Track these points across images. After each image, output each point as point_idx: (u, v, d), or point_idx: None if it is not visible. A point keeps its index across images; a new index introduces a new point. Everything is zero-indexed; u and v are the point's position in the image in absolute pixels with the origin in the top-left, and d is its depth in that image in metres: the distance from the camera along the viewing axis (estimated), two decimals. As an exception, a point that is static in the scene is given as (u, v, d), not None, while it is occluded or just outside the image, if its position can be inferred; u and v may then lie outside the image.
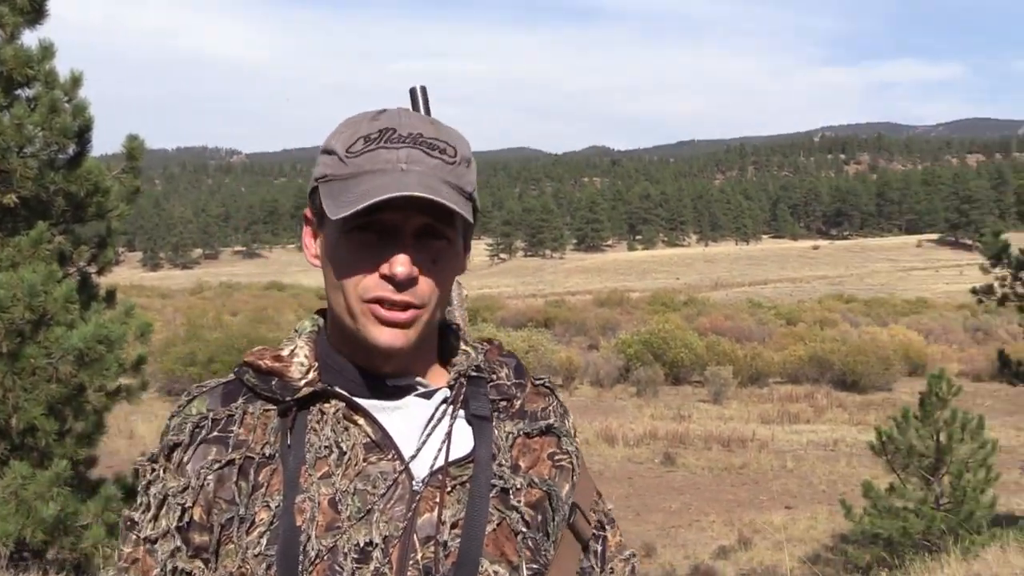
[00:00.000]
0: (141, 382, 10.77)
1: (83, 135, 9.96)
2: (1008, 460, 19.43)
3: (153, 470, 1.58)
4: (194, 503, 1.53)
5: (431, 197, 1.47)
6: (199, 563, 1.52)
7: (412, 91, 1.73)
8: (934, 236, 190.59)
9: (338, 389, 1.58)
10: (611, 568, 1.76)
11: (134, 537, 1.56)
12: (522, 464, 1.64)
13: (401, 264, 1.50)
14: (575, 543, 1.69)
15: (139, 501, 1.58)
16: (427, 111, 1.70)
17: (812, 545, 21.51)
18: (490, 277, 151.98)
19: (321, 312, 1.72)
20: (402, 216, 1.51)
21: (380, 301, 1.52)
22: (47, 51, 9.85)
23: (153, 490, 1.56)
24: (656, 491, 26.58)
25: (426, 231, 1.53)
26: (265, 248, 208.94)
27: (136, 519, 1.57)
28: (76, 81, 9.94)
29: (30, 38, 9.93)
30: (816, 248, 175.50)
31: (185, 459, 1.56)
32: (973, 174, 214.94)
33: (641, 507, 24.72)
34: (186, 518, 1.53)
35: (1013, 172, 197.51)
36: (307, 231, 1.65)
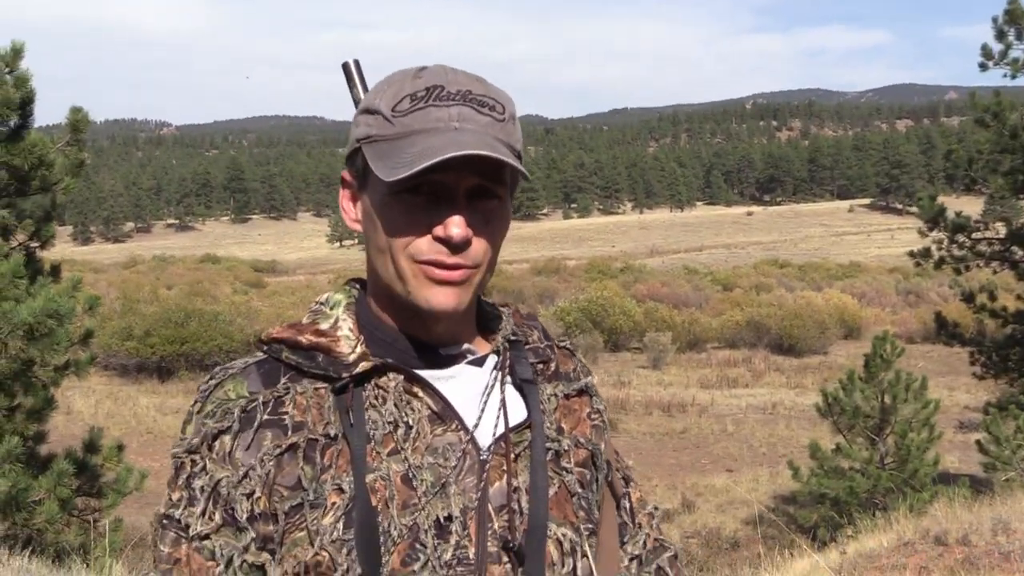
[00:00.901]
0: (90, 356, 10.65)
1: (25, 107, 9.82)
2: (943, 420, 19.75)
3: (195, 462, 1.49)
4: (262, 491, 1.46)
5: (493, 155, 1.42)
6: (266, 555, 1.46)
7: (345, 66, 1.71)
8: (866, 201, 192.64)
9: (395, 362, 1.53)
10: (638, 523, 1.76)
11: (173, 535, 1.48)
12: (565, 426, 1.63)
13: (457, 226, 1.45)
14: (611, 500, 1.70)
15: (178, 496, 1.49)
16: (363, 85, 1.68)
17: (754, 507, 21.74)
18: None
19: (355, 282, 1.67)
20: (455, 176, 1.46)
21: (433, 264, 1.47)
22: (-13, 22, 9.68)
23: (198, 483, 1.47)
24: (599, 457, 26.73)
25: (478, 191, 1.48)
26: (198, 221, 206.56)
27: (178, 516, 1.48)
28: (17, 52, 9.78)
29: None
30: (750, 214, 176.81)
31: (235, 447, 1.48)
32: (903, 139, 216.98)
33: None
34: (255, 509, 1.45)
35: (941, 137, 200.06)
36: (345, 194, 1.60)
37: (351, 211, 1.59)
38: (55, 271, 10.67)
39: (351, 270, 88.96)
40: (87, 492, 10.58)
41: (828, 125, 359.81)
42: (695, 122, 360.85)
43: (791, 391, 35.70)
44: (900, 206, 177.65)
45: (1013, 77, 19.53)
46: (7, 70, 9.67)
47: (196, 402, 1.54)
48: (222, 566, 1.45)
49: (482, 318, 1.67)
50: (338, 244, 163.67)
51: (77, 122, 10.32)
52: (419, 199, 1.47)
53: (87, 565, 8.32)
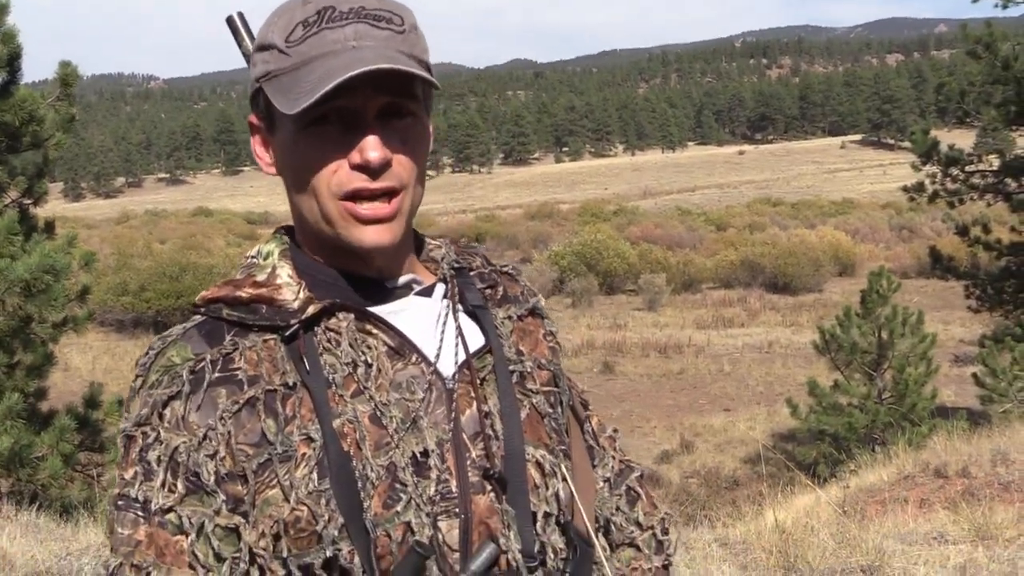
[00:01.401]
0: (87, 312, 10.66)
1: (13, 63, 9.76)
2: (938, 354, 19.83)
3: (146, 434, 1.40)
4: (226, 450, 1.38)
5: (397, 67, 1.34)
6: (238, 518, 1.38)
7: (229, 20, 1.62)
8: (857, 137, 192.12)
9: (344, 302, 1.46)
10: (602, 445, 1.73)
11: (132, 516, 1.39)
12: (524, 348, 1.57)
13: (373, 148, 1.38)
14: (576, 424, 1.66)
15: (131, 473, 1.39)
16: (251, 37, 1.58)
17: (753, 446, 21.85)
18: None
19: (283, 230, 1.58)
20: (361, 99, 1.38)
21: (357, 194, 1.40)
22: (-28, -21, 9.61)
23: (153, 455, 1.39)
24: (597, 400, 26.72)
25: (389, 110, 1.40)
26: (189, 174, 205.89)
27: (134, 495, 1.39)
28: (3, 8, 9.70)
29: (-49, -35, 9.67)
30: (742, 153, 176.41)
31: (188, 410, 1.39)
32: (893, 74, 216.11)
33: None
34: (221, 469, 1.37)
35: (932, 71, 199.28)
36: (256, 140, 1.52)
37: (265, 156, 1.51)
38: (49, 227, 10.64)
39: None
40: (89, 447, 10.61)
41: (818, 62, 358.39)
42: (685, 62, 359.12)
43: (787, 329, 35.83)
44: (892, 141, 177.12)
45: (1005, 7, 19.45)
46: (-6, 26, 9.61)
47: (137, 377, 1.46)
48: (193, 535, 1.37)
49: (420, 248, 1.61)
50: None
51: (66, 76, 10.26)
52: (329, 129, 1.40)
53: (94, 519, 8.36)
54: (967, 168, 20.43)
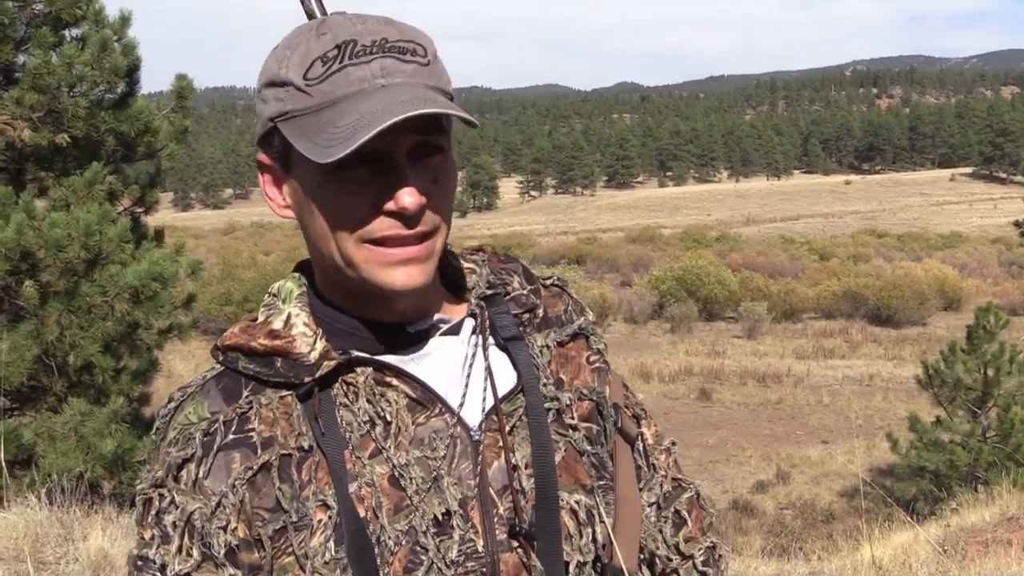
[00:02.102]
0: (192, 320, 10.85)
1: (132, 74, 9.97)
2: (1048, 394, 19.40)
3: (162, 496, 1.35)
4: (238, 520, 1.33)
5: (440, 110, 1.24)
6: None
7: None
8: (968, 170, 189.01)
9: (361, 354, 1.37)
10: (653, 464, 1.62)
11: None
12: (564, 377, 1.49)
13: (409, 195, 1.28)
14: (625, 445, 1.55)
15: (150, 535, 1.35)
16: (322, 9, 1.43)
17: (850, 479, 21.56)
18: (521, 215, 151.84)
19: (300, 268, 1.50)
20: (393, 139, 1.27)
21: (388, 240, 1.30)
22: (94, -10, 9.85)
23: (168, 519, 1.34)
24: (693, 427, 26.68)
25: (420, 149, 1.31)
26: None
27: (152, 557, 1.34)
28: (125, 20, 9.93)
29: (77, -22, 9.91)
30: (848, 183, 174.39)
31: (202, 474, 1.34)
32: (1007, 106, 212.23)
33: (678, 443, 24.81)
34: (233, 540, 1.32)
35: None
36: (266, 180, 1.41)
37: (277, 198, 1.40)
38: (159, 236, 10.85)
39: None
40: (189, 454, 10.78)
41: (930, 92, 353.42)
42: (793, 89, 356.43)
43: (888, 363, 35.26)
44: (1004, 175, 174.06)
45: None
46: (115, 38, 9.82)
47: (157, 430, 1.41)
48: None
49: (451, 277, 1.51)
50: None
51: (182, 88, 10.48)
52: (359, 172, 1.29)
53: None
54: (1082, 204, 19.97)
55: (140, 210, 10.72)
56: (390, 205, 1.28)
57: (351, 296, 1.38)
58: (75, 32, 9.94)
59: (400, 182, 1.28)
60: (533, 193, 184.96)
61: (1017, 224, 20.71)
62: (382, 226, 1.29)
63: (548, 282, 1.58)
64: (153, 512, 1.35)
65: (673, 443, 1.66)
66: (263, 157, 1.40)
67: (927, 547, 8.21)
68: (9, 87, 9.52)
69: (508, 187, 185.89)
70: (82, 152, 9.83)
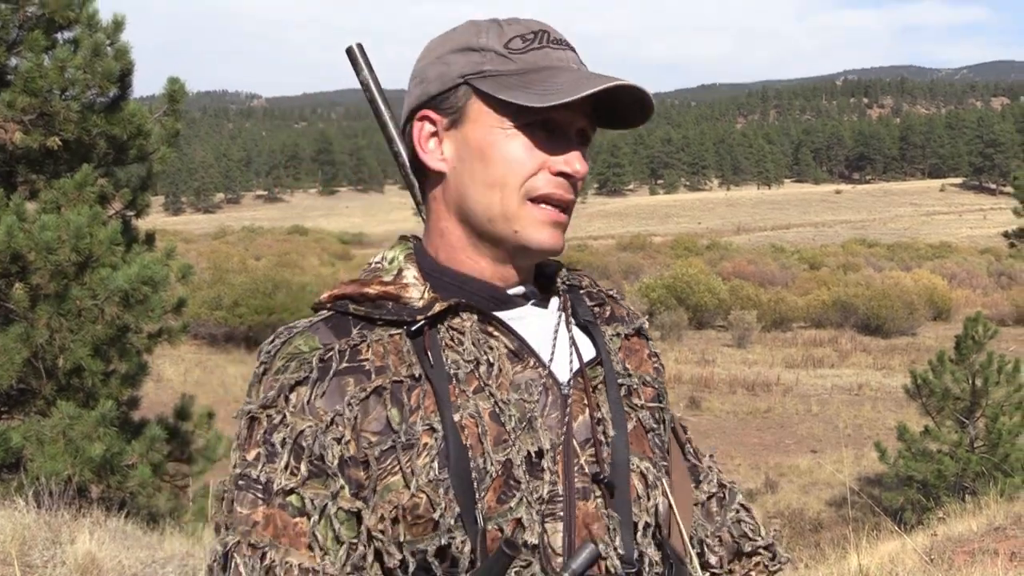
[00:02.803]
0: (182, 324, 10.83)
1: (124, 78, 9.97)
2: (1035, 404, 19.44)
3: (271, 417, 1.43)
4: (352, 435, 1.41)
5: (643, 88, 1.45)
6: (360, 502, 1.41)
7: (349, 51, 1.69)
8: (958, 180, 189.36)
9: (468, 302, 1.51)
10: (706, 466, 1.79)
11: (252, 496, 1.41)
12: (630, 366, 1.62)
13: (579, 161, 1.48)
14: (676, 445, 1.70)
15: (254, 455, 1.43)
16: (369, 67, 1.67)
17: (838, 489, 21.59)
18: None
19: (406, 238, 1.64)
20: (571, 117, 1.47)
21: (548, 199, 1.48)
22: (87, -7, 9.85)
23: (277, 437, 1.41)
24: (682, 434, 26.67)
25: (580, 134, 1.51)
26: (287, 192, 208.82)
27: (255, 475, 1.42)
28: (118, 25, 9.93)
29: (70, -19, 9.91)
30: (839, 192, 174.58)
31: (314, 396, 1.42)
32: (997, 117, 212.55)
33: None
34: (345, 454, 1.41)
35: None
36: (424, 133, 1.54)
37: (436, 151, 1.54)
38: (150, 239, 10.85)
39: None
40: (178, 458, 10.76)
41: (920, 103, 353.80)
42: (784, 98, 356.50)
43: (878, 372, 35.33)
44: (994, 186, 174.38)
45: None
46: (108, 42, 9.82)
47: (261, 364, 1.49)
48: (315, 517, 1.40)
49: (536, 265, 1.65)
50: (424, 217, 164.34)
51: (174, 92, 10.47)
52: (539, 134, 1.47)
53: (180, 528, 8.49)
54: (1071, 216, 20.03)
55: (131, 213, 10.72)
56: (562, 166, 1.47)
57: (478, 253, 1.54)
58: (68, 35, 9.96)
59: (572, 150, 1.48)
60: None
61: (1006, 235, 20.78)
62: (547, 183, 1.47)
63: (608, 291, 1.73)
64: (260, 431, 1.44)
65: (712, 455, 1.82)
66: (428, 112, 1.53)
67: (914, 556, 8.22)
68: (1, 90, 9.51)
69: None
70: (73, 155, 9.83)
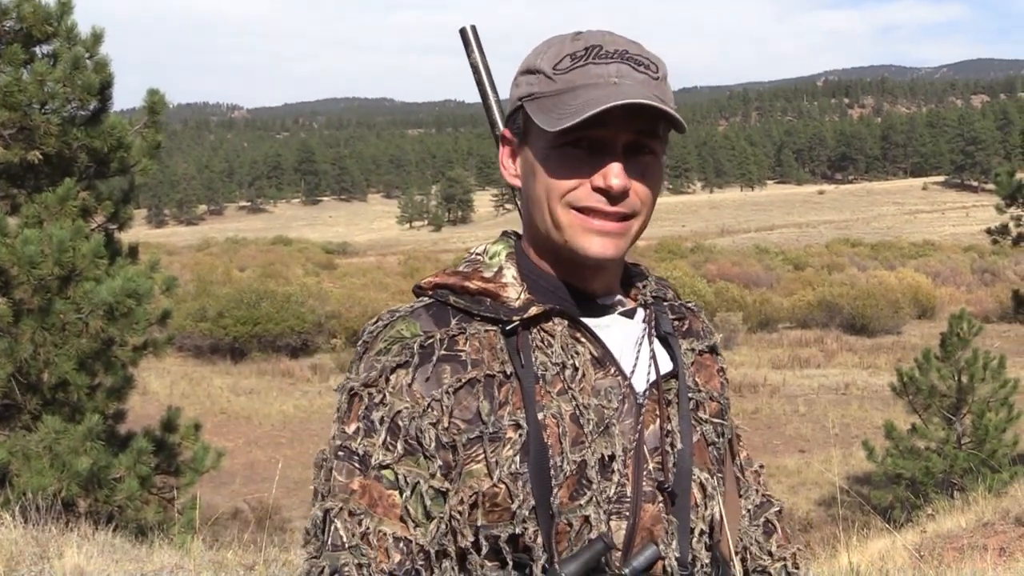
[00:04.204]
0: (167, 336, 10.80)
1: (104, 91, 9.95)
2: (1020, 400, 19.45)
3: (371, 395, 1.54)
4: (448, 420, 1.52)
5: (653, 103, 1.49)
6: (448, 483, 1.52)
7: (463, 31, 1.80)
8: (940, 178, 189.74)
9: (561, 308, 1.60)
10: (747, 479, 1.88)
11: (350, 466, 1.52)
12: (700, 380, 1.72)
13: (616, 175, 1.52)
14: (729, 456, 1.81)
15: (354, 428, 1.54)
16: (480, 49, 1.79)
17: (827, 488, 21.61)
18: (496, 228, 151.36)
19: (512, 234, 1.74)
20: (612, 131, 1.52)
21: (591, 211, 1.54)
22: (65, 7, 9.83)
23: (377, 414, 1.52)
24: (670, 437, 26.66)
25: (633, 146, 1.55)
26: (270, 203, 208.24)
27: (355, 448, 1.52)
28: (97, 38, 9.91)
29: (47, -6, 9.88)
30: (822, 193, 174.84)
31: (414, 379, 1.53)
32: (978, 115, 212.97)
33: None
34: (441, 438, 1.51)
35: (1018, 112, 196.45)
36: (505, 151, 1.67)
37: (511, 167, 1.67)
38: (133, 252, 10.81)
39: (421, 251, 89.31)
40: (165, 470, 10.74)
41: (901, 102, 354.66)
42: (766, 100, 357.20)
43: (864, 371, 35.40)
44: (975, 183, 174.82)
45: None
46: (87, 55, 9.79)
47: (363, 343, 1.60)
48: (408, 492, 1.50)
49: (625, 274, 1.75)
50: (408, 225, 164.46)
51: (154, 104, 10.45)
52: (579, 152, 1.54)
53: (168, 540, 8.45)
54: (1053, 212, 20.07)
55: (114, 226, 10.68)
56: (599, 180, 1.53)
57: (555, 260, 1.63)
58: (46, 49, 9.91)
59: (611, 164, 1.53)
60: (508, 206, 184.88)
61: (989, 232, 20.78)
62: (588, 197, 1.54)
63: (689, 304, 1.85)
64: (362, 407, 1.55)
65: (761, 466, 1.94)
66: (506, 131, 1.67)
67: (904, 553, 8.24)
68: (-20, 104, 9.47)
69: (483, 200, 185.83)
70: (54, 168, 9.80)
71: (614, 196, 1.53)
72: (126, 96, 11.53)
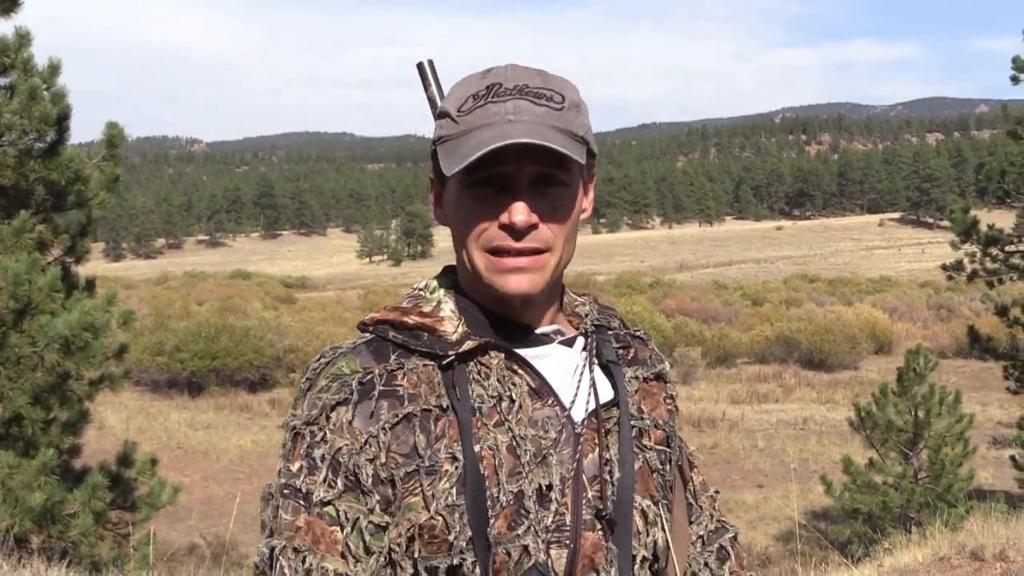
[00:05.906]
0: (124, 370, 10.72)
1: (62, 122, 9.90)
2: (976, 435, 19.60)
3: (313, 433, 1.57)
4: (385, 456, 1.54)
5: (534, 141, 1.51)
6: (387, 517, 1.54)
7: (419, 66, 1.81)
8: (896, 215, 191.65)
9: (496, 341, 1.63)
10: (701, 504, 1.88)
11: (294, 504, 1.55)
12: (644, 407, 1.74)
13: (519, 212, 1.55)
14: (680, 482, 1.83)
15: (297, 466, 1.57)
16: (437, 84, 1.80)
17: (785, 523, 21.63)
18: (455, 263, 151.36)
19: (451, 269, 1.76)
20: (515, 167, 1.55)
21: (501, 250, 1.57)
22: (24, 39, 9.78)
23: (318, 452, 1.55)
24: (630, 472, 26.63)
25: (541, 179, 1.57)
26: (229, 237, 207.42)
27: (298, 485, 1.55)
28: (54, 69, 9.87)
29: (5, 26, 9.86)
30: (780, 228, 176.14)
31: (353, 416, 1.56)
32: (933, 153, 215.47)
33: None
34: (379, 473, 1.54)
35: (972, 150, 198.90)
36: (433, 194, 1.72)
37: (438, 209, 1.72)
38: (90, 286, 10.73)
39: (381, 285, 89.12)
40: (120, 506, 10.63)
41: (858, 139, 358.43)
42: (724, 136, 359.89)
43: (822, 406, 35.52)
44: (931, 220, 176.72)
45: (1045, 89, 19.40)
46: (44, 86, 9.75)
47: (306, 380, 1.63)
48: (348, 528, 1.53)
49: (567, 304, 1.79)
50: (367, 260, 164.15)
51: (113, 137, 10.41)
52: (488, 190, 1.57)
53: (123, 577, 8.36)
54: (1007, 248, 20.26)
55: (71, 260, 10.61)
56: (504, 218, 1.56)
57: (485, 295, 1.65)
58: (3, 81, 9.86)
59: (515, 201, 1.56)
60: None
61: (944, 268, 20.96)
62: (497, 236, 1.57)
63: (637, 332, 1.87)
64: (303, 445, 1.58)
65: (716, 491, 1.94)
66: (431, 175, 1.71)
67: (862, 588, 8.25)
68: (-64, 136, 9.41)
69: (443, 235, 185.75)
70: (11, 201, 9.73)
71: (519, 231, 1.56)
72: (84, 129, 11.48)
